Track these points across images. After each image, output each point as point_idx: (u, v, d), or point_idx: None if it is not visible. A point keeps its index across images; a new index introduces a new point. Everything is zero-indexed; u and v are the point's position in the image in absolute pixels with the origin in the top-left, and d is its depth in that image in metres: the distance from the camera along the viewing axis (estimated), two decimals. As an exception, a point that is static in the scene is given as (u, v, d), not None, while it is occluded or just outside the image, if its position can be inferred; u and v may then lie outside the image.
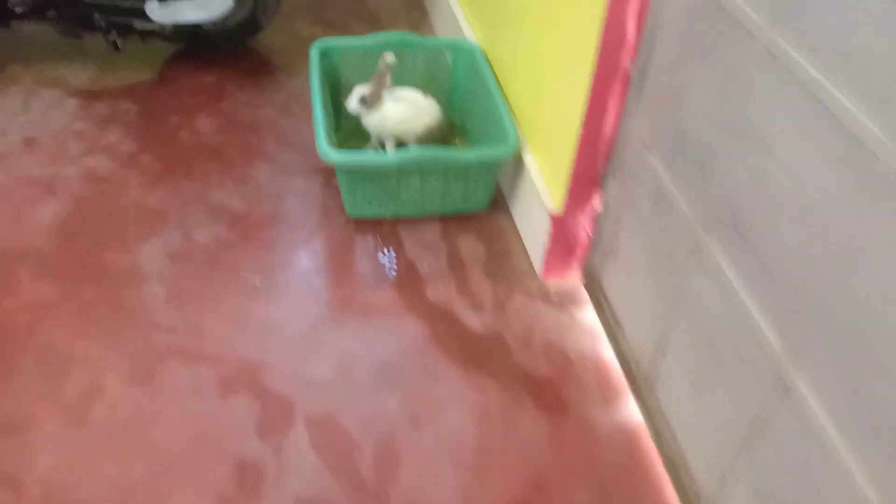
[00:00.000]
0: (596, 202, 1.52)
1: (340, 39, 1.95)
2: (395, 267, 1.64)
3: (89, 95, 2.09)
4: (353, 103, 1.77)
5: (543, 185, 1.62)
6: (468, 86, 1.97)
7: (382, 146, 1.90)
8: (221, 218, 1.72)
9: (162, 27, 1.97)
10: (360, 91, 1.77)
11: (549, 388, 1.40)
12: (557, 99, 1.51)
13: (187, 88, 2.16)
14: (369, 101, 1.78)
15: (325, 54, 1.91)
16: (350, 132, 1.94)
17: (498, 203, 1.83)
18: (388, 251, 1.68)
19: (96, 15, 1.97)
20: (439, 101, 1.99)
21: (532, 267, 1.67)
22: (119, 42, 2.03)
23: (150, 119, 2.02)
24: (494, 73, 1.88)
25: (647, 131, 1.30)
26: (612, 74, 1.33)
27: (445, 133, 1.94)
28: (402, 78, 1.95)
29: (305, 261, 1.64)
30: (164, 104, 2.08)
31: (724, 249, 1.04)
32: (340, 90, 2.00)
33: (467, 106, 1.98)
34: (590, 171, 1.47)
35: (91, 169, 1.83)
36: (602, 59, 1.30)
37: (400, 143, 1.90)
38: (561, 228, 1.56)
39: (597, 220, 1.54)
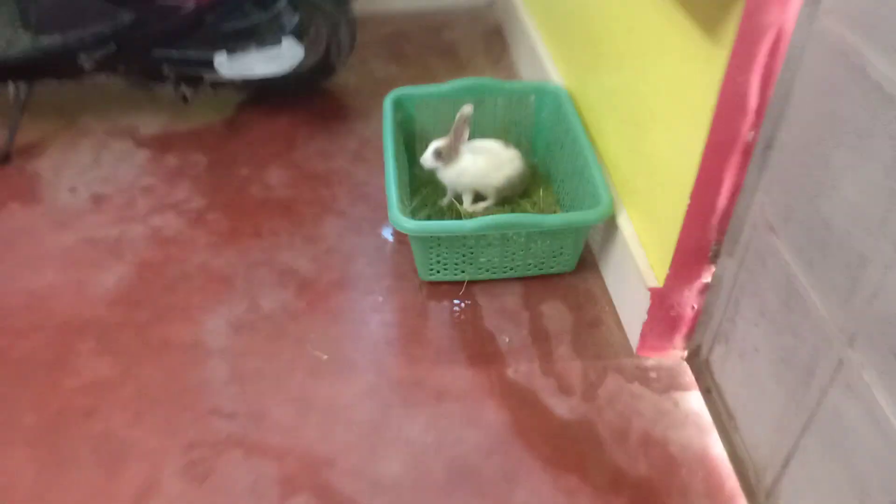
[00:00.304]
0: (705, 276, 1.32)
1: (416, 89, 1.82)
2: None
3: (160, 146, 2.04)
4: (428, 159, 1.64)
5: (641, 251, 1.43)
6: (553, 131, 1.81)
7: (459, 199, 1.75)
8: (289, 283, 1.61)
9: (232, 79, 1.90)
10: (435, 145, 1.64)
11: (649, 492, 1.22)
12: (662, 161, 1.33)
13: (258, 137, 2.08)
14: (445, 156, 1.64)
15: (399, 104, 1.79)
16: (425, 181, 1.81)
17: (586, 262, 1.65)
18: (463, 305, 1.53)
19: (165, 67, 1.92)
20: (521, 145, 1.84)
21: (626, 339, 1.49)
22: (188, 94, 1.97)
23: (220, 171, 1.95)
24: (583, 120, 1.71)
25: (772, 212, 1.10)
26: (729, 143, 1.14)
27: (528, 183, 1.77)
28: (481, 123, 1.81)
29: (375, 332, 1.51)
30: (234, 155, 2.00)
31: (878, 375, 0.84)
32: (415, 138, 1.88)
33: (552, 152, 1.82)
34: (700, 244, 1.28)
35: (158, 229, 1.76)
36: (718, 125, 1.11)
37: (478, 196, 1.75)
38: (662, 303, 1.37)
39: (705, 293, 1.34)
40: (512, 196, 1.76)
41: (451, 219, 1.72)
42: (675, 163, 1.25)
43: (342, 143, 2.05)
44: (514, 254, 1.55)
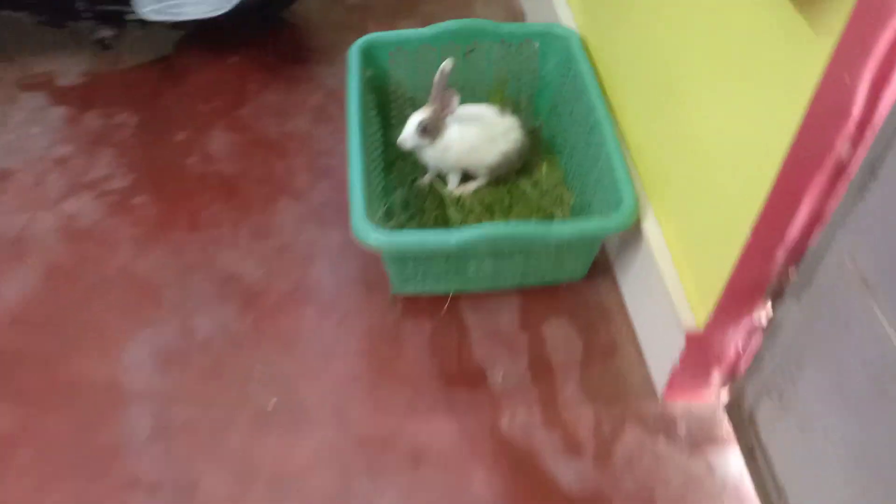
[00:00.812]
0: (758, 316, 1.01)
1: (389, 35, 1.43)
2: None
3: (80, 101, 1.67)
4: (409, 138, 1.29)
5: (672, 272, 1.11)
6: (561, 90, 1.44)
7: (442, 179, 1.41)
8: (231, 295, 1.30)
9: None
10: (418, 118, 1.28)
11: None
12: (715, 158, 0.98)
13: (199, 87, 1.70)
14: (432, 130, 1.28)
15: (368, 55, 1.41)
16: (401, 153, 1.46)
17: (599, 266, 1.33)
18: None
19: (79, 3, 1.52)
20: (519, 105, 1.48)
21: (648, 375, 1.20)
22: (108, 37, 1.57)
23: (151, 136, 1.59)
24: (600, 79, 1.34)
25: (867, 260, 0.78)
26: (817, 158, 0.80)
27: (527, 157, 1.42)
28: (470, 78, 1.45)
29: (336, 366, 1.21)
30: (169, 112, 1.64)
31: None
32: (389, 99, 1.50)
33: (559, 115, 1.45)
34: (758, 279, 0.96)
35: (71, 218, 1.43)
36: (807, 132, 0.77)
37: (467, 175, 1.41)
38: (698, 348, 1.06)
39: (755, 335, 1.04)
40: (508, 174, 1.41)
41: (433, 203, 1.39)
42: (739, 168, 0.91)
43: (302, 95, 1.68)
44: (510, 261, 1.23)
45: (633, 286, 1.25)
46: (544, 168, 1.44)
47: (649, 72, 1.15)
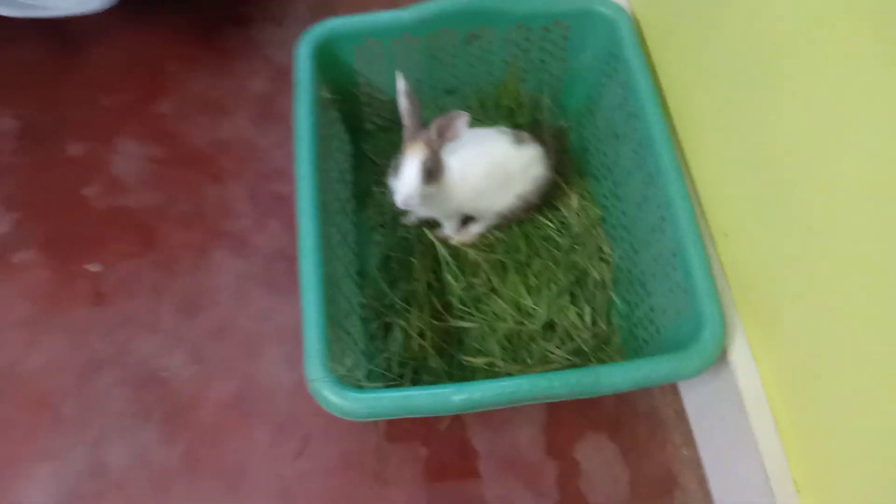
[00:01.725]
0: None
1: (354, 22, 0.98)
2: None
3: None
4: (413, 190, 0.87)
5: (766, 412, 0.77)
6: (601, 89, 1.02)
7: (434, 223, 1.03)
8: (152, 409, 0.96)
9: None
10: (417, 161, 0.87)
11: None
12: (865, 291, 0.61)
13: (103, 72, 1.25)
14: (436, 172, 0.88)
15: (326, 54, 0.97)
16: (377, 177, 1.07)
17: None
18: None
19: None
20: (540, 106, 1.08)
21: (721, 520, 0.88)
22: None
23: (37, 152, 1.17)
24: (661, 88, 0.92)
25: None
26: None
27: (552, 184, 1.03)
28: (470, 73, 1.04)
29: (300, 521, 0.89)
30: (63, 112, 1.21)
31: None
32: (360, 111, 1.09)
33: (596, 126, 1.05)
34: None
35: (-68, 289, 1.05)
36: None
37: (468, 217, 1.03)
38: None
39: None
40: (525, 214, 1.03)
41: (423, 257, 1.01)
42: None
43: (241, 76, 1.24)
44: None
45: (701, 395, 0.91)
46: (575, 202, 1.05)
47: (749, 90, 0.75)
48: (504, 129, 0.97)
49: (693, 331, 0.77)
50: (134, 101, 1.21)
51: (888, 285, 0.57)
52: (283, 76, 1.23)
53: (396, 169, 0.88)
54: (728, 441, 0.82)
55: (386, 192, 0.99)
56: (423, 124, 0.88)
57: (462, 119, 0.86)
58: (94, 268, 1.06)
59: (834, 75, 0.60)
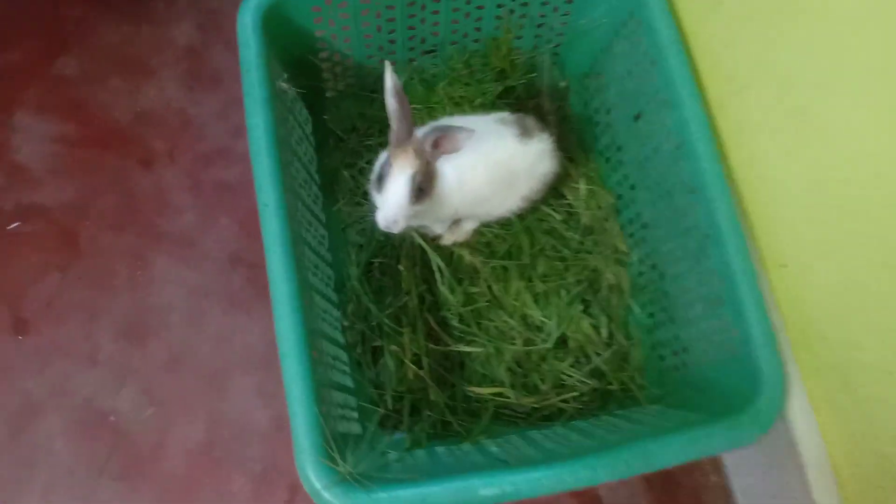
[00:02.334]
0: None
1: None
2: None
3: None
4: (401, 211, 0.69)
5: (833, 485, 0.69)
6: (612, 47, 0.85)
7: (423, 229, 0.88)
8: (105, 460, 0.82)
9: None
10: (406, 176, 0.69)
11: None
12: None
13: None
14: (427, 185, 0.71)
15: (275, 18, 0.75)
16: (346, 159, 0.90)
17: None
18: None
19: None
20: (538, 65, 0.91)
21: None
22: None
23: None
24: (693, 56, 0.76)
25: None
26: None
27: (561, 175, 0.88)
28: (453, 28, 0.85)
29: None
30: (-66, 77, 0.95)
31: None
32: (320, 78, 0.88)
33: (604, 93, 0.88)
34: None
35: None
36: None
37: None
38: None
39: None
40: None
41: (410, 268, 0.86)
42: None
43: (163, 29, 0.99)
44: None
45: (752, 476, 0.82)
46: (582, 186, 0.90)
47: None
48: (506, 115, 0.80)
49: (746, 385, 0.67)
50: (28, 60, 0.96)
51: None
52: (212, 21, 0.99)
53: (379, 181, 0.71)
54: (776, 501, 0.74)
55: (362, 197, 0.82)
56: (412, 126, 0.70)
57: (465, 135, 0.68)
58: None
59: None
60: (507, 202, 0.82)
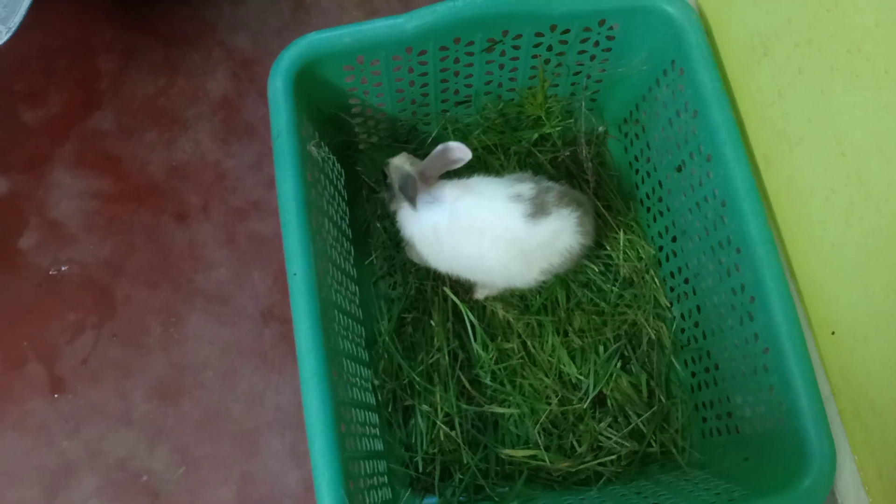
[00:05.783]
0: None
1: (339, 34, 0.74)
2: None
3: None
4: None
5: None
6: (653, 98, 0.82)
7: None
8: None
9: None
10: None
11: None
12: None
13: (19, 77, 1.00)
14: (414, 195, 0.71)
15: (308, 81, 0.75)
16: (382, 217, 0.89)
17: None
18: None
19: None
20: (572, 114, 0.88)
21: None
22: None
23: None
24: (737, 106, 0.73)
25: None
26: None
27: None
28: (487, 79, 0.83)
29: None
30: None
31: None
32: (352, 131, 0.87)
33: (644, 139, 0.85)
34: None
35: None
36: None
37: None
38: None
39: None
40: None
41: (439, 308, 0.85)
42: None
43: (196, 79, 1.00)
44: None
45: None
46: (622, 236, 0.87)
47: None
48: (525, 189, 0.74)
49: (794, 460, 0.63)
50: (65, 114, 0.97)
51: None
52: (246, 69, 0.99)
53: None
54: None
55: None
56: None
57: (455, 152, 0.72)
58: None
59: None
60: (526, 275, 0.78)
